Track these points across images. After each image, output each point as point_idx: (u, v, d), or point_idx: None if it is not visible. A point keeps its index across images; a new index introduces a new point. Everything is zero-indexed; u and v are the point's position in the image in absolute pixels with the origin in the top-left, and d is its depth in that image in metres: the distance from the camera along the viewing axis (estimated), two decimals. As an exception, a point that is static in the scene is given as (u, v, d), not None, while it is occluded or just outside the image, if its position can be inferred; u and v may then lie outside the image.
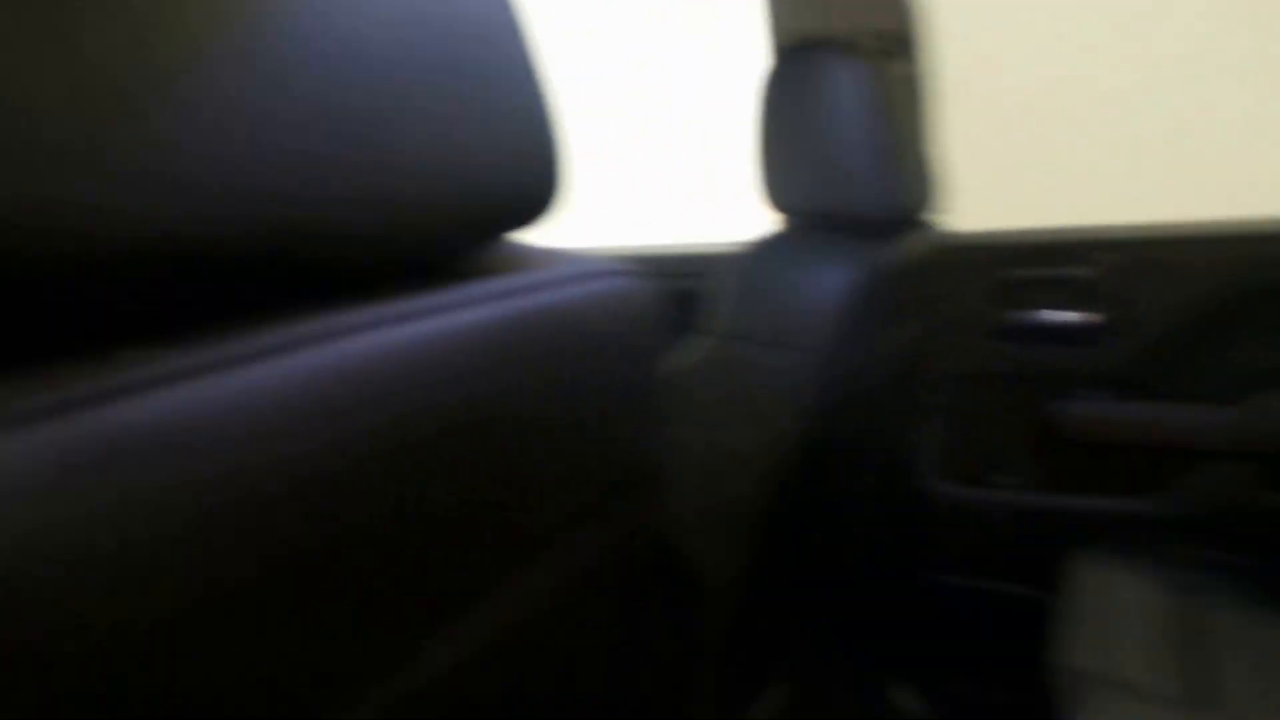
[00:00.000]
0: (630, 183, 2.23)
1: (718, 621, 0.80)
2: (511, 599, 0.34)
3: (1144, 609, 0.96)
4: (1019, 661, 1.27)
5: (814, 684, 1.06)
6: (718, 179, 2.16)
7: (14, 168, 0.19)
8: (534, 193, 0.34)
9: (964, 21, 1.51)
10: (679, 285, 1.41)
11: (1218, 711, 0.79)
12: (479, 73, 0.31)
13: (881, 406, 1.01)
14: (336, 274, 0.29)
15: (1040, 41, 1.50)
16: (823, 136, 0.89)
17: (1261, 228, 1.10)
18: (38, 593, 0.19)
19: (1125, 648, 0.90)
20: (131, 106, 0.21)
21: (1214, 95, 1.39)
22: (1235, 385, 1.14)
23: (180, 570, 0.22)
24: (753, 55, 2.02)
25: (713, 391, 0.85)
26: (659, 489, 0.42)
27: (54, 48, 0.20)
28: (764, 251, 0.90)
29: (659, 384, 0.41)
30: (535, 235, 0.38)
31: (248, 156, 0.24)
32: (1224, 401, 1.14)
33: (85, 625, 0.20)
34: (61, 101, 0.20)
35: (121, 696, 0.21)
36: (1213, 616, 0.93)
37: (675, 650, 0.45)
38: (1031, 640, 1.25)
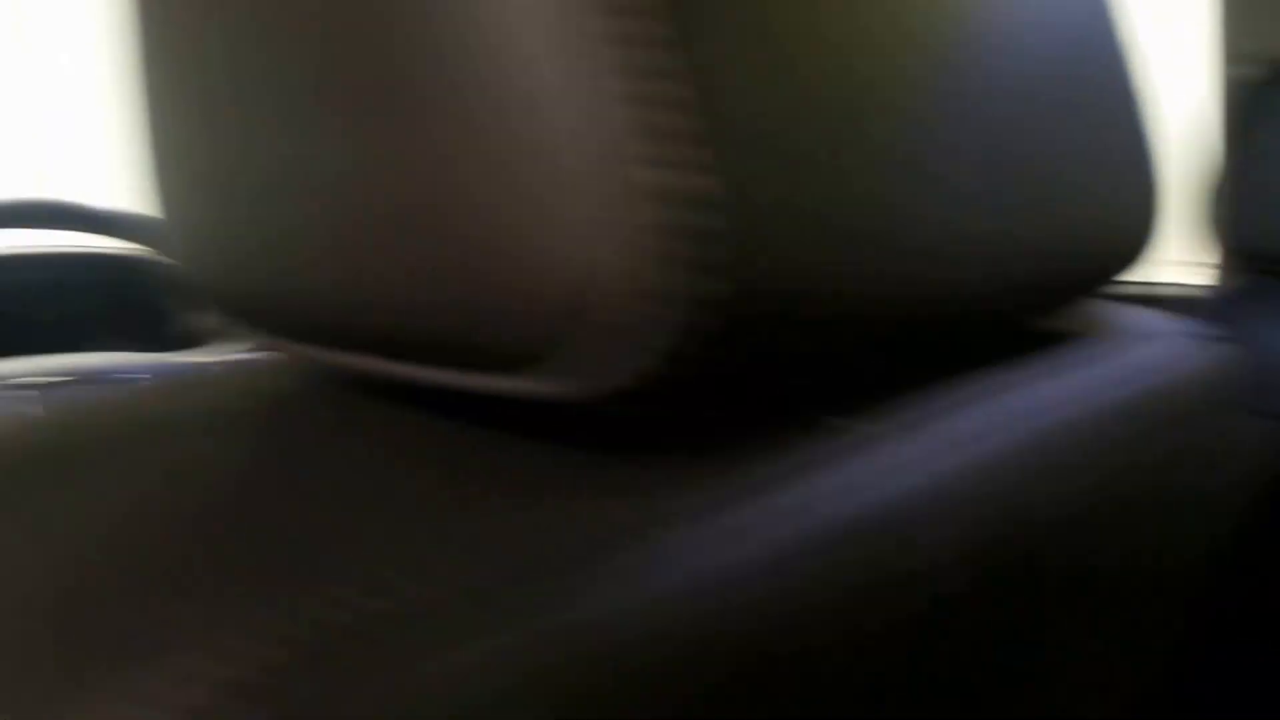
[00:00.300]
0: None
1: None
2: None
3: None
4: None
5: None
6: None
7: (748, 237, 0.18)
8: (1132, 241, 0.32)
9: None
10: None
11: None
12: (1088, 101, 0.29)
13: None
14: (932, 335, 0.27)
15: None
16: None
17: None
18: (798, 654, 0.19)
19: None
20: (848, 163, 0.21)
21: None
22: None
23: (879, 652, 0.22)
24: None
25: None
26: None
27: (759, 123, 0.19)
28: (1218, 302, 0.84)
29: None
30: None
31: (923, 212, 0.23)
32: None
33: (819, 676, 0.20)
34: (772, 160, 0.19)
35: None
36: None
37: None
38: None
